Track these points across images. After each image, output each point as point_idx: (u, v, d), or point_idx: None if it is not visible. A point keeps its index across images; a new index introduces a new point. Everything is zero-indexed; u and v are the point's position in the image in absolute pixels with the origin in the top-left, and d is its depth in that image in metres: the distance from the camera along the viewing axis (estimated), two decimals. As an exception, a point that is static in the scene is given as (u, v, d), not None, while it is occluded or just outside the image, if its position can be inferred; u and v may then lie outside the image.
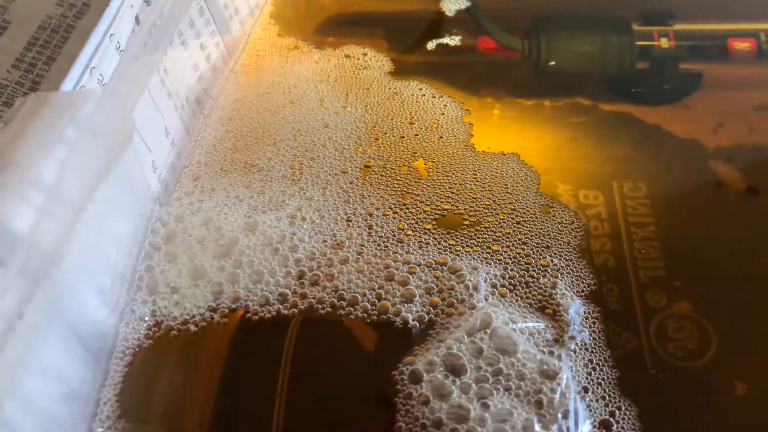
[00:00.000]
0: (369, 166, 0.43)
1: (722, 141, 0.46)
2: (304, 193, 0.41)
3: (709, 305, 0.37)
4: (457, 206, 0.40)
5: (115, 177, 0.34)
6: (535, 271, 0.37)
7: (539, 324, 0.34)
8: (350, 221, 0.39)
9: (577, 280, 0.37)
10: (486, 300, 0.35)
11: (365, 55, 0.51)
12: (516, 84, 0.51)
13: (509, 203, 0.40)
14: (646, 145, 0.46)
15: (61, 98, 0.31)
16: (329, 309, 0.36)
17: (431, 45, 0.52)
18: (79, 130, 0.30)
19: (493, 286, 0.36)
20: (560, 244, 0.39)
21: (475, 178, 0.42)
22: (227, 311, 0.36)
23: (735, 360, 0.35)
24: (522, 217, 0.40)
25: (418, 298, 0.36)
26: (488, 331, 0.33)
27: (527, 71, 0.52)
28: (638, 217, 0.41)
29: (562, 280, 0.37)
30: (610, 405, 0.32)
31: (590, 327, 0.35)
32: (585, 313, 0.35)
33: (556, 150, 0.45)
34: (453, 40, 0.53)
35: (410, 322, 0.35)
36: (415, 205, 0.40)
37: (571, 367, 0.33)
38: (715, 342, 0.35)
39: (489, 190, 0.41)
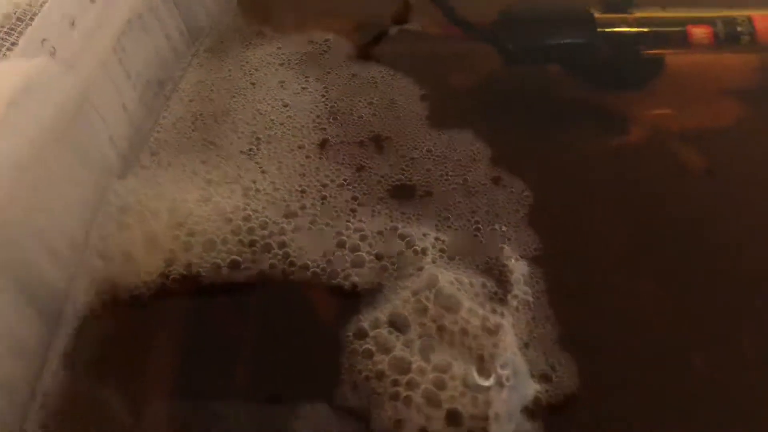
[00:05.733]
0: (326, 142, 0.44)
1: (684, 125, 0.47)
2: (260, 168, 0.41)
3: (665, 278, 0.38)
4: (410, 178, 0.41)
5: (68, 146, 0.35)
6: (483, 237, 0.38)
7: (484, 284, 0.35)
8: (304, 192, 0.40)
9: (524, 245, 0.37)
10: (433, 262, 0.36)
11: (328, 40, 0.52)
12: (478, 70, 0.52)
13: (461, 175, 0.41)
14: (609, 131, 0.47)
15: (10, 66, 0.32)
16: (280, 275, 0.36)
17: (394, 31, 0.53)
18: (29, 97, 0.31)
19: (442, 250, 0.37)
20: (510, 213, 0.39)
21: (429, 153, 0.43)
22: (179, 277, 0.36)
23: (687, 331, 0.35)
24: (473, 188, 0.40)
25: (367, 263, 0.36)
26: (434, 290, 0.34)
27: (490, 58, 0.53)
28: (598, 197, 0.41)
29: (509, 245, 0.37)
30: (549, 359, 0.32)
31: (534, 287, 0.35)
32: (531, 273, 0.36)
33: (516, 134, 0.46)
34: (415, 26, 0.53)
35: (359, 285, 0.36)
36: (370, 177, 0.41)
37: (513, 324, 0.33)
38: (668, 312, 0.36)
39: (442, 164, 0.42)
